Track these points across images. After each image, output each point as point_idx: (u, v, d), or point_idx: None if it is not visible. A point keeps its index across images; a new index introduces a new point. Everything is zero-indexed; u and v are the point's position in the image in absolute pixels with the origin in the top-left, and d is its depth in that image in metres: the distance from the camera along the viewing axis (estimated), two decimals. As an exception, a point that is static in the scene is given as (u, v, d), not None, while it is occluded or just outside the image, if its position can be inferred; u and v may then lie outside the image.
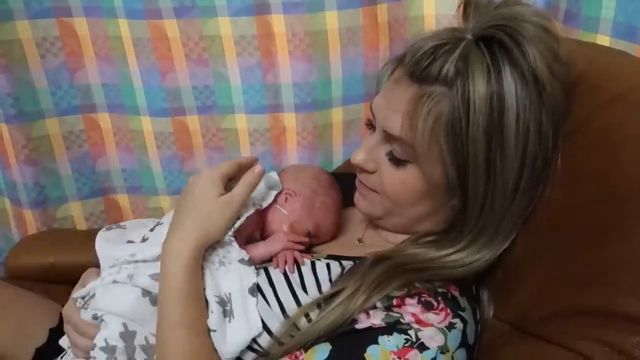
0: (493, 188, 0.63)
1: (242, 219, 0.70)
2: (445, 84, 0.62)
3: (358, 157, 0.71)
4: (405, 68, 0.65)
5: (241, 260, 0.69)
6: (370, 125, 0.73)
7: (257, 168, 0.71)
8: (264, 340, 0.65)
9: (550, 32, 0.63)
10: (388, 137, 0.68)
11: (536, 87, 0.61)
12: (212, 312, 0.65)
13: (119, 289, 0.68)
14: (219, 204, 0.67)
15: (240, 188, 0.69)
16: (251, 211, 0.72)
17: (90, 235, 0.79)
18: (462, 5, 0.66)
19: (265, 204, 0.75)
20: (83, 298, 0.71)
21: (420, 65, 0.63)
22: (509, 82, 0.60)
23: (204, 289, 0.66)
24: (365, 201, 0.75)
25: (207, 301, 0.66)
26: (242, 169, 0.72)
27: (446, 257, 0.67)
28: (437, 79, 0.62)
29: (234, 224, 0.69)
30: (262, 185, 0.76)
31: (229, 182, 0.71)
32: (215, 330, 0.64)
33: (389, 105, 0.67)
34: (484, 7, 0.65)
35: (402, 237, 0.74)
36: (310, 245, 0.79)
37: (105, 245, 0.75)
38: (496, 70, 0.60)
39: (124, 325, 0.67)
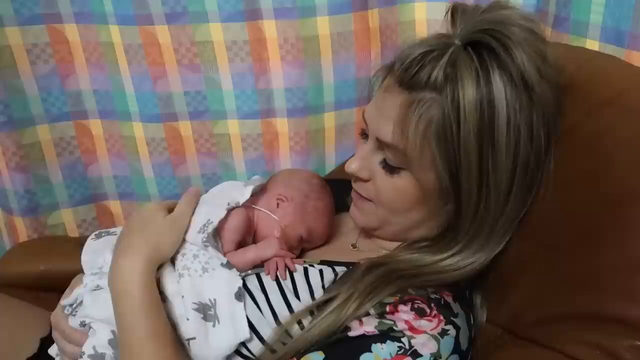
0: (486, 192, 0.63)
1: (215, 223, 0.70)
2: (435, 89, 0.62)
3: (352, 166, 0.71)
4: (395, 76, 0.66)
5: (223, 265, 0.68)
6: (364, 135, 0.73)
7: (191, 188, 0.76)
8: (256, 347, 0.65)
9: (537, 35, 0.64)
10: (381, 145, 0.68)
11: (526, 90, 0.61)
12: (188, 319, 0.64)
13: (105, 297, 0.68)
14: (167, 221, 0.71)
15: (181, 205, 0.73)
16: (223, 214, 0.72)
17: (82, 243, 0.78)
18: (449, 12, 0.66)
19: (242, 201, 0.75)
20: (71, 305, 0.71)
21: (409, 72, 0.63)
22: (499, 86, 0.60)
23: (182, 297, 0.66)
24: (362, 214, 0.75)
25: (180, 312, 0.66)
26: None
27: (441, 261, 0.67)
28: (427, 85, 0.62)
29: (184, 238, 0.71)
30: (240, 184, 0.79)
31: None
32: (194, 338, 0.64)
33: (381, 114, 0.67)
34: (470, 12, 0.65)
35: (396, 243, 0.74)
36: (303, 249, 0.79)
37: (90, 253, 0.76)
38: (485, 74, 0.60)
39: (113, 332, 0.66)
